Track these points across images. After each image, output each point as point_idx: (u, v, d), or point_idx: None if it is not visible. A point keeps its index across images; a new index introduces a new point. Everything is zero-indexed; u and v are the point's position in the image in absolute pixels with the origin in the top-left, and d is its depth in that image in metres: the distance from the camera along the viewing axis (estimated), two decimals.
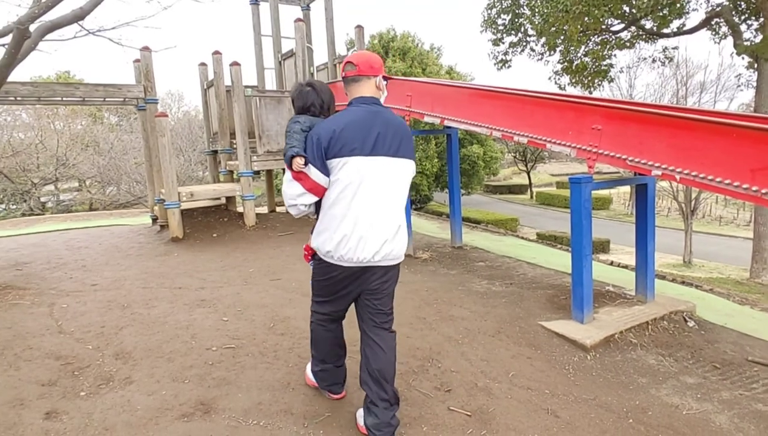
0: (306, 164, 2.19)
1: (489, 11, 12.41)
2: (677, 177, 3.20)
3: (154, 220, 7.39)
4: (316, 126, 2.25)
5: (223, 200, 7.43)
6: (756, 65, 11.46)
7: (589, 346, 3.46)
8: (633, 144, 3.48)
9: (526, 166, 42.87)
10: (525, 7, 10.82)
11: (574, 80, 13.32)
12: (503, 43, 12.85)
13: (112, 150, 18.94)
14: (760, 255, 11.09)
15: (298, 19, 7.04)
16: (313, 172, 2.19)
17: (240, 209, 7.26)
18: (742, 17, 12.49)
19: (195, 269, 5.16)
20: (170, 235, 6.34)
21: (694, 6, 12.44)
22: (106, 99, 6.70)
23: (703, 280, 8.83)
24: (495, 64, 13.29)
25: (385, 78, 2.39)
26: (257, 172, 10.60)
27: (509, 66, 13.22)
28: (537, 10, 10.42)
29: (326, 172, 2.19)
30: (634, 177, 4.04)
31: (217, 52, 6.94)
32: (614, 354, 3.46)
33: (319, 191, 2.23)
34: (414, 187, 23.10)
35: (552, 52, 12.65)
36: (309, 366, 2.83)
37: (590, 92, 14.33)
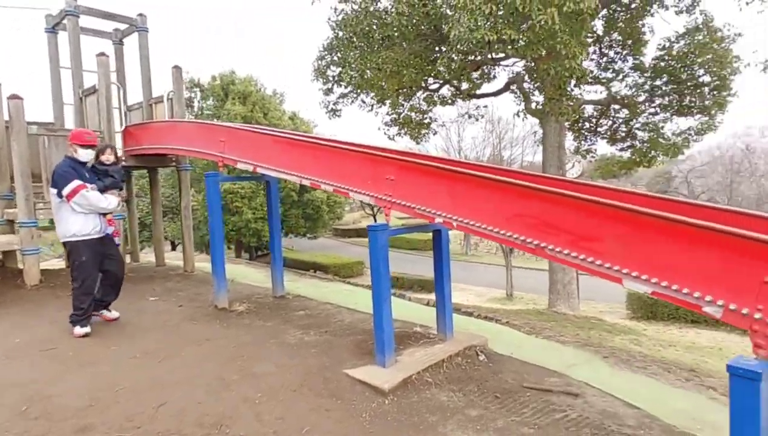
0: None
1: (319, 62, 12.99)
2: (454, 224, 3.51)
3: None
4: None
5: None
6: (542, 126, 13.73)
7: (387, 390, 3.52)
8: (420, 194, 3.76)
9: (372, 209, 44.69)
10: (346, 62, 11.61)
11: (402, 131, 14.50)
12: (333, 93, 13.53)
13: None
14: (554, 287, 12.95)
15: (102, 54, 6.43)
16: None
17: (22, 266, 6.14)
18: (534, 85, 14.92)
19: None
20: None
21: (495, 73, 14.61)
22: None
23: (510, 312, 9.91)
24: (326, 113, 13.90)
25: (91, 146, 4.67)
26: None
27: (339, 115, 13.92)
28: (353, 65, 11.22)
29: None
30: (428, 224, 4.34)
31: None
32: (411, 395, 3.56)
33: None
34: (256, 233, 22.43)
35: (381, 105, 13.65)
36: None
37: (418, 142, 15.67)
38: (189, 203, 7.44)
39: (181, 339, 4.44)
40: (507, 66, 14.18)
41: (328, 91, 13.38)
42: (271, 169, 4.95)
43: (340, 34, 11.97)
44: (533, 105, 13.70)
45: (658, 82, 13.93)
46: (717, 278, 2.33)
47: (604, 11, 13.33)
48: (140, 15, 7.61)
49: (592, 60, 14.69)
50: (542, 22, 7.93)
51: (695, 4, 13.05)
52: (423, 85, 13.35)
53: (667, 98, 13.98)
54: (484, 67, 14.10)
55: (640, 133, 15.21)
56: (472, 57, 11.79)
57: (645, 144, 14.64)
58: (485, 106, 16.30)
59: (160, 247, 7.86)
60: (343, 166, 4.30)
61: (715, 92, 13.11)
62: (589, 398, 3.69)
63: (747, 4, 11.36)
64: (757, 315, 2.17)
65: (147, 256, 9.51)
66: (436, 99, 14.87)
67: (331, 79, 12.96)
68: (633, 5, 13.47)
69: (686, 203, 3.20)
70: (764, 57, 11.72)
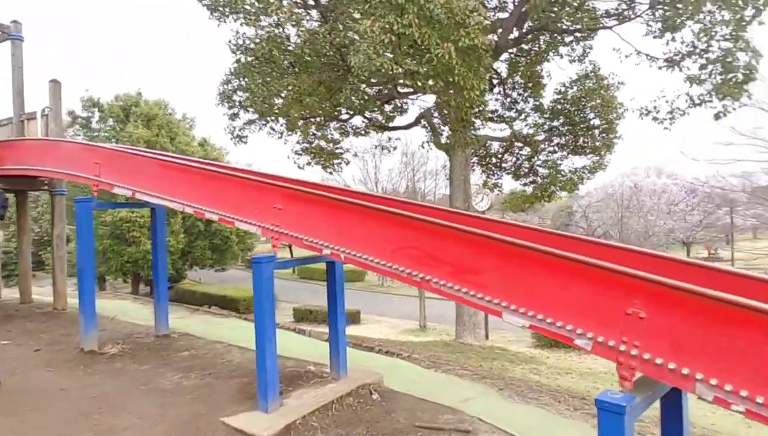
0: None
1: (225, 86, 12.56)
2: (342, 256, 3.33)
3: None
4: None
5: None
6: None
7: None
8: (308, 224, 3.57)
9: None
10: (250, 88, 11.31)
11: (314, 161, 14.30)
12: (240, 118, 13.12)
13: None
14: (461, 318, 13.16)
15: None
16: None
17: None
18: (442, 119, 15.43)
19: None
20: None
21: (406, 107, 15.02)
22: None
23: (418, 345, 9.84)
24: (231, 139, 13.41)
25: None
26: None
27: (245, 142, 13.46)
28: (256, 91, 10.96)
29: None
30: (319, 255, 4.13)
31: None
32: None
33: None
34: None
35: (291, 133, 13.40)
36: None
37: (330, 173, 15.54)
38: (63, 232, 6.64)
39: (28, 392, 3.80)
40: (413, 99, 14.62)
41: (234, 117, 12.92)
42: (152, 195, 4.50)
43: (242, 59, 11.68)
44: (441, 139, 14.16)
45: (555, 123, 15.02)
46: (587, 311, 2.33)
47: (506, 55, 14.26)
48: (14, 22, 6.84)
49: (497, 100, 15.59)
50: (440, 56, 8.22)
51: (585, 54, 14.38)
52: (335, 114, 13.32)
53: (563, 138, 15.08)
54: (396, 100, 14.41)
55: (541, 170, 16.22)
56: (382, 89, 11.98)
57: (545, 180, 15.61)
58: (398, 139, 16.65)
59: (27, 281, 6.91)
60: (229, 193, 4.00)
61: (603, 134, 14.35)
62: (480, 435, 3.59)
63: (626, 57, 12.69)
64: (622, 347, 2.17)
65: (15, 292, 8.35)
66: (348, 129, 14.90)
67: (237, 104, 12.53)
68: (532, 51, 14.57)
69: (574, 238, 3.29)
70: (640, 104, 13.07)
